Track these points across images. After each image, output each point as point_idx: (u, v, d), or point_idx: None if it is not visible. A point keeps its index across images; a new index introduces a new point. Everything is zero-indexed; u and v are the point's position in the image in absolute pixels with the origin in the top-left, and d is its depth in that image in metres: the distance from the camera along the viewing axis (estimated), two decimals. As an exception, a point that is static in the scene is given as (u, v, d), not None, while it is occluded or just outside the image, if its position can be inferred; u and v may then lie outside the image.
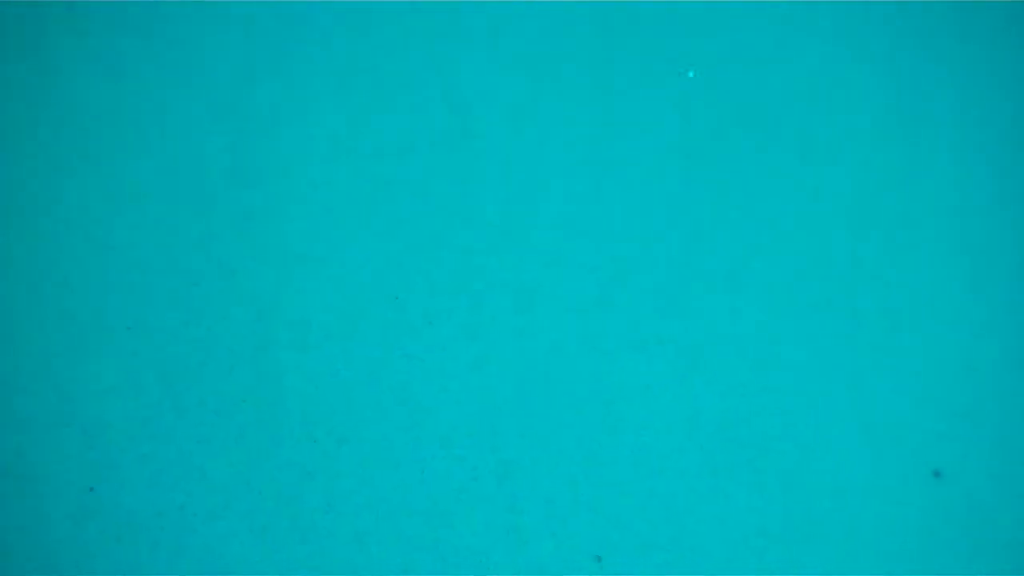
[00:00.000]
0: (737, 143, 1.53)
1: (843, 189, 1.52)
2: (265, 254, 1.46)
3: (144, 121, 1.47)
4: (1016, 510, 1.47)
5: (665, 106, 1.52)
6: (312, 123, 1.49)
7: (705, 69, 1.51)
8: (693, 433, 1.48)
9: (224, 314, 1.44)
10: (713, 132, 1.53)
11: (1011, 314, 1.49)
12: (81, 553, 1.40)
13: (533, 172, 1.50)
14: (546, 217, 1.50)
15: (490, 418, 1.46)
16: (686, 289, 1.50)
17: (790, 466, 1.48)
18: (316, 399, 1.44)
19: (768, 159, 1.53)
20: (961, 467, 1.48)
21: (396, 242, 1.48)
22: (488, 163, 1.50)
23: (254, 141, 1.47)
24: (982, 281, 1.50)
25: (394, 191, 1.49)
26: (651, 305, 1.49)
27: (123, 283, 1.44)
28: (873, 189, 1.53)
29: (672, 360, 1.49)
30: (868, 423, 1.49)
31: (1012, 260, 1.51)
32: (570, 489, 1.45)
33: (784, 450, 1.48)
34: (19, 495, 1.41)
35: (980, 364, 1.49)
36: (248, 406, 1.43)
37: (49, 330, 1.43)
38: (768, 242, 1.52)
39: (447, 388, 1.46)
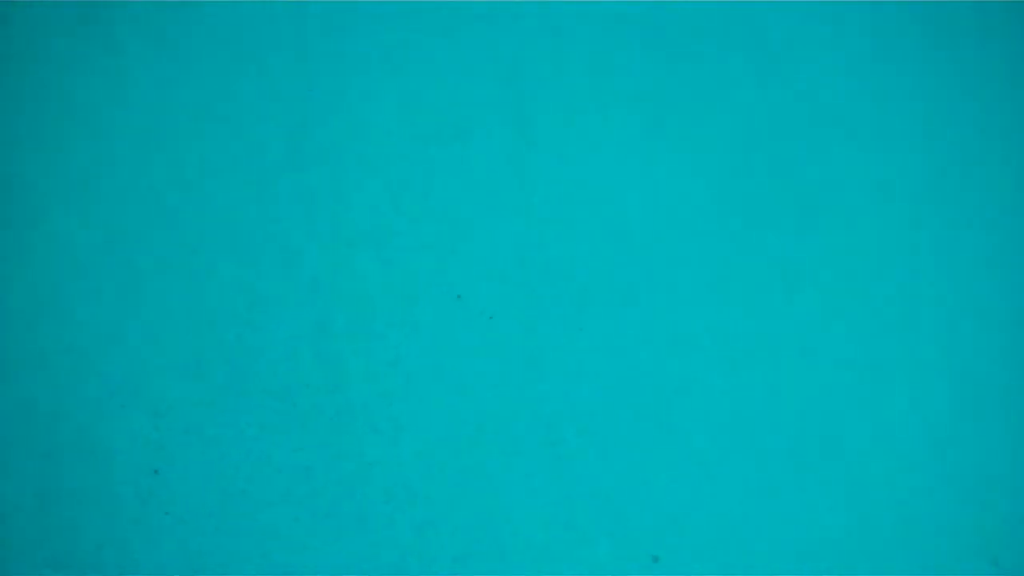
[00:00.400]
0: (797, 143, 1.52)
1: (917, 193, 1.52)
2: (328, 239, 1.47)
3: (203, 105, 1.48)
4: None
5: (724, 103, 1.51)
6: (374, 108, 1.49)
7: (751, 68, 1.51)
8: (752, 432, 1.47)
9: (286, 299, 1.46)
10: (772, 129, 1.52)
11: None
12: (145, 533, 1.43)
13: (595, 167, 1.50)
14: (605, 215, 1.49)
15: (548, 414, 1.46)
16: (747, 286, 1.49)
17: (850, 469, 1.47)
18: (378, 388, 1.46)
19: (827, 157, 1.52)
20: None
21: (458, 231, 1.48)
22: (549, 158, 1.49)
23: (315, 125, 1.48)
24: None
25: (456, 180, 1.49)
26: (710, 303, 1.49)
27: (188, 266, 1.46)
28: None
29: (731, 358, 1.48)
30: (924, 437, 1.48)
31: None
32: (627, 487, 1.45)
33: (843, 452, 1.47)
34: (88, 475, 1.43)
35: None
36: (311, 392, 1.45)
37: (117, 312, 1.45)
38: (832, 242, 1.51)
39: (506, 382, 1.46)
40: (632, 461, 1.46)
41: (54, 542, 1.43)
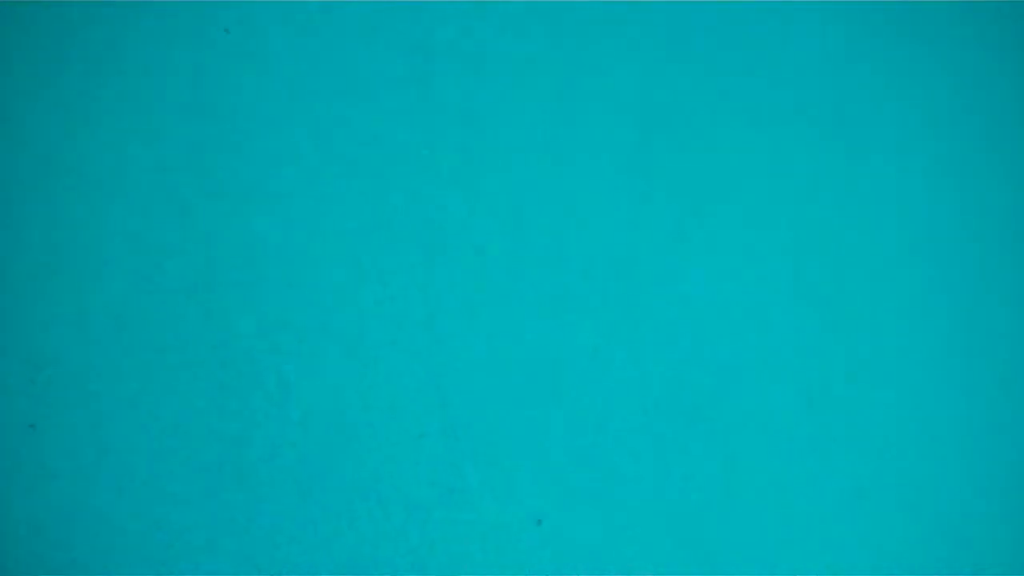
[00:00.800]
0: (703, 117, 1.51)
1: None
2: (220, 189, 1.41)
3: (93, 47, 1.40)
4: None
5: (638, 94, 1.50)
6: (286, 62, 1.43)
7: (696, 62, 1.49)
8: (639, 399, 1.48)
9: (175, 249, 1.41)
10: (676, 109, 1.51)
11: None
12: (20, 488, 1.38)
13: (496, 127, 1.47)
14: (504, 177, 1.47)
15: (440, 376, 1.45)
16: (638, 254, 1.49)
17: (734, 438, 1.50)
18: (265, 344, 1.42)
19: (728, 134, 1.52)
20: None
21: (354, 189, 1.44)
22: (455, 117, 1.46)
23: (213, 73, 1.42)
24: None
25: (354, 138, 1.45)
26: (603, 269, 1.48)
27: (76, 215, 1.39)
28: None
29: (621, 325, 1.48)
30: (813, 402, 1.51)
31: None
32: (514, 452, 1.46)
33: (729, 421, 1.50)
34: (-43, 426, 1.38)
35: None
36: (197, 347, 1.41)
37: (-6, 258, 1.39)
38: (737, 207, 1.51)
39: (398, 342, 1.44)
40: (520, 426, 1.46)
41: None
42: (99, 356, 1.39)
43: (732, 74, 1.51)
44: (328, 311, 1.43)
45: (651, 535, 1.48)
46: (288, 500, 1.42)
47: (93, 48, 1.39)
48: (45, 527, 1.38)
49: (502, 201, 1.46)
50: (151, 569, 1.39)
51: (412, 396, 1.44)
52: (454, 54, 1.46)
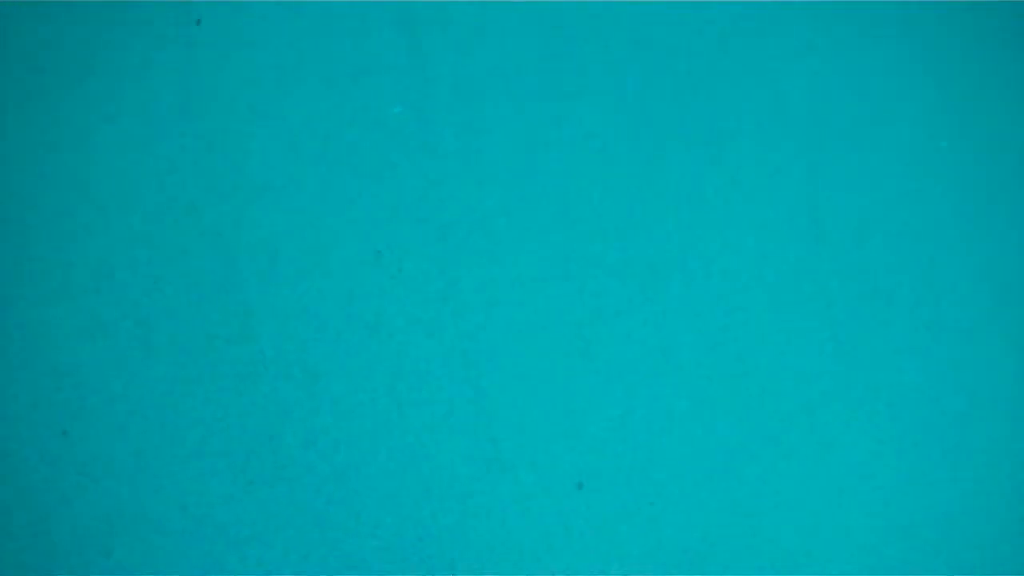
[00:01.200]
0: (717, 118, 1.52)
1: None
2: (227, 188, 1.43)
3: (96, 58, 1.42)
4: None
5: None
6: (274, 51, 1.45)
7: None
8: (670, 357, 1.47)
9: (189, 251, 1.42)
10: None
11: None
12: (58, 497, 1.38)
13: (499, 105, 1.48)
14: (514, 152, 1.47)
15: (465, 350, 1.44)
16: (658, 216, 1.49)
17: (769, 391, 1.48)
18: (289, 335, 1.42)
19: (743, 133, 1.53)
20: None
21: (360, 173, 1.45)
22: (453, 104, 1.47)
23: (208, 74, 1.43)
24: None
25: (354, 123, 1.46)
26: (624, 231, 1.48)
27: (88, 224, 1.41)
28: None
29: (647, 284, 1.48)
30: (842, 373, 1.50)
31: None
32: (548, 417, 1.45)
33: (762, 375, 1.49)
34: (-8, 441, 1.39)
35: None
36: (220, 343, 1.41)
37: (15, 272, 1.40)
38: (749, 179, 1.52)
39: (421, 320, 1.44)
40: (552, 391, 1.45)
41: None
42: (122, 360, 1.40)
43: (742, 72, 1.52)
44: (347, 297, 1.43)
45: (692, 491, 1.46)
46: (327, 487, 1.41)
47: (74, 59, 1.41)
48: (87, 531, 1.38)
49: (512, 172, 1.47)
50: (197, 566, 1.39)
51: (439, 372, 1.44)
52: (451, 32, 1.48)
